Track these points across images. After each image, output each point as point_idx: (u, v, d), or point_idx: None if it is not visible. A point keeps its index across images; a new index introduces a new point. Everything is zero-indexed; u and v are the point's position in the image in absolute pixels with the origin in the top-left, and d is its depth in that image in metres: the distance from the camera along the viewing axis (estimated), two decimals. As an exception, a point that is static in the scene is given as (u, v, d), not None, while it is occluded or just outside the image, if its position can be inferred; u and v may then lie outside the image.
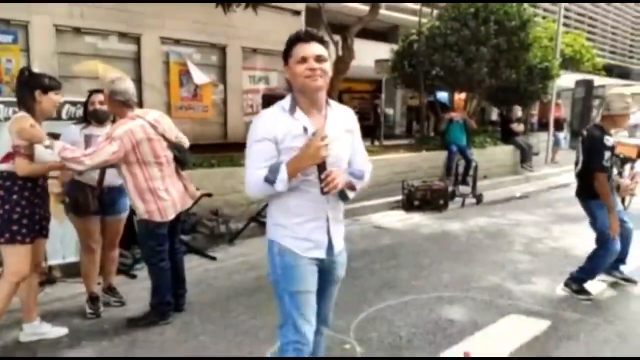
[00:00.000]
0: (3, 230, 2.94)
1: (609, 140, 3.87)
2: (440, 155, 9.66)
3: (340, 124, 2.17)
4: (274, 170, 2.00)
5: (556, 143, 13.32)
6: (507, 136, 11.60)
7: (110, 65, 7.63)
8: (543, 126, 15.49)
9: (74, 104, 4.41)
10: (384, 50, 13.11)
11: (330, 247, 2.16)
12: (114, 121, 3.67)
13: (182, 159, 3.58)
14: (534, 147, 12.48)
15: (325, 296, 2.30)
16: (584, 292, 4.08)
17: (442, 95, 14.18)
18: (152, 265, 3.61)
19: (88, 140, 3.64)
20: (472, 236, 6.19)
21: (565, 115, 15.55)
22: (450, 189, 8.54)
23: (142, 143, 3.32)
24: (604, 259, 3.99)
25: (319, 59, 2.05)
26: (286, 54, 2.11)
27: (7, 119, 4.10)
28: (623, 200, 7.84)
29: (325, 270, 2.21)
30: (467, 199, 8.37)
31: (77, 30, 7.42)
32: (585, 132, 4.10)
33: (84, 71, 7.46)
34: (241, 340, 3.35)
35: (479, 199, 8.44)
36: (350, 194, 2.17)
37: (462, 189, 8.73)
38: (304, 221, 2.11)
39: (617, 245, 3.95)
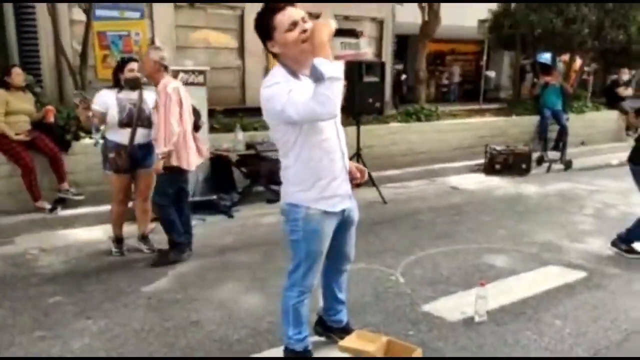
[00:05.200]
0: None
1: None
2: (531, 120, 9.56)
3: None
4: (313, 72, 2.00)
5: (675, 109, 12.25)
6: (613, 101, 10.98)
7: (219, 34, 8.63)
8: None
9: (186, 71, 5.35)
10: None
11: (350, 196, 2.49)
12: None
13: (197, 121, 4.20)
14: (645, 113, 11.65)
15: (348, 239, 2.63)
16: (633, 251, 4.27)
17: (546, 58, 13.58)
18: (163, 207, 4.07)
19: (121, 103, 4.08)
20: (545, 199, 6.36)
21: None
22: (538, 154, 8.54)
23: (183, 100, 3.90)
24: None
25: (304, 19, 2.15)
26: (266, 29, 2.16)
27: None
28: None
29: (345, 218, 2.50)
30: (554, 164, 8.32)
31: (192, 5, 8.44)
32: None
33: (198, 41, 8.52)
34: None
35: (567, 164, 8.35)
36: None
37: (551, 154, 8.65)
38: (331, 179, 2.34)
39: None
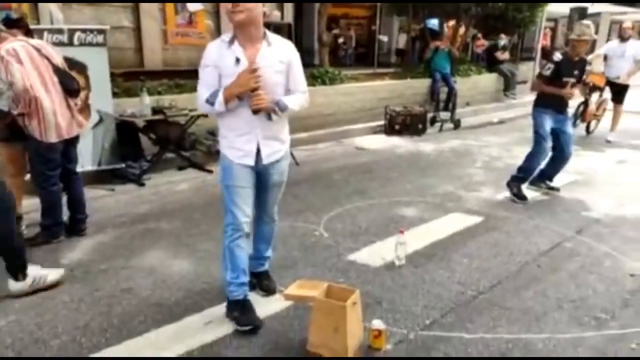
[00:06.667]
0: None
1: (556, 56, 4.73)
2: (424, 83, 10.21)
3: (275, 56, 2.59)
4: (213, 95, 2.54)
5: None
6: (492, 64, 12.05)
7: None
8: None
9: (83, 31, 4.99)
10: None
11: (258, 157, 2.66)
12: None
13: (67, 85, 3.70)
14: (518, 75, 12.94)
15: (266, 196, 2.88)
16: (521, 196, 4.90)
17: (434, 23, 14.41)
18: (42, 189, 3.73)
19: None
20: (441, 155, 6.95)
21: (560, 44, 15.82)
22: (431, 114, 9.19)
23: (25, 61, 3.45)
24: (537, 155, 4.83)
25: None
26: None
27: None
28: (589, 126, 8.56)
29: (261, 175, 2.77)
30: (445, 124, 9.03)
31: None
32: None
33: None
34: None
35: (456, 124, 9.10)
36: (275, 117, 2.62)
37: (443, 114, 9.36)
38: (239, 134, 2.65)
39: (547, 144, 4.77)
